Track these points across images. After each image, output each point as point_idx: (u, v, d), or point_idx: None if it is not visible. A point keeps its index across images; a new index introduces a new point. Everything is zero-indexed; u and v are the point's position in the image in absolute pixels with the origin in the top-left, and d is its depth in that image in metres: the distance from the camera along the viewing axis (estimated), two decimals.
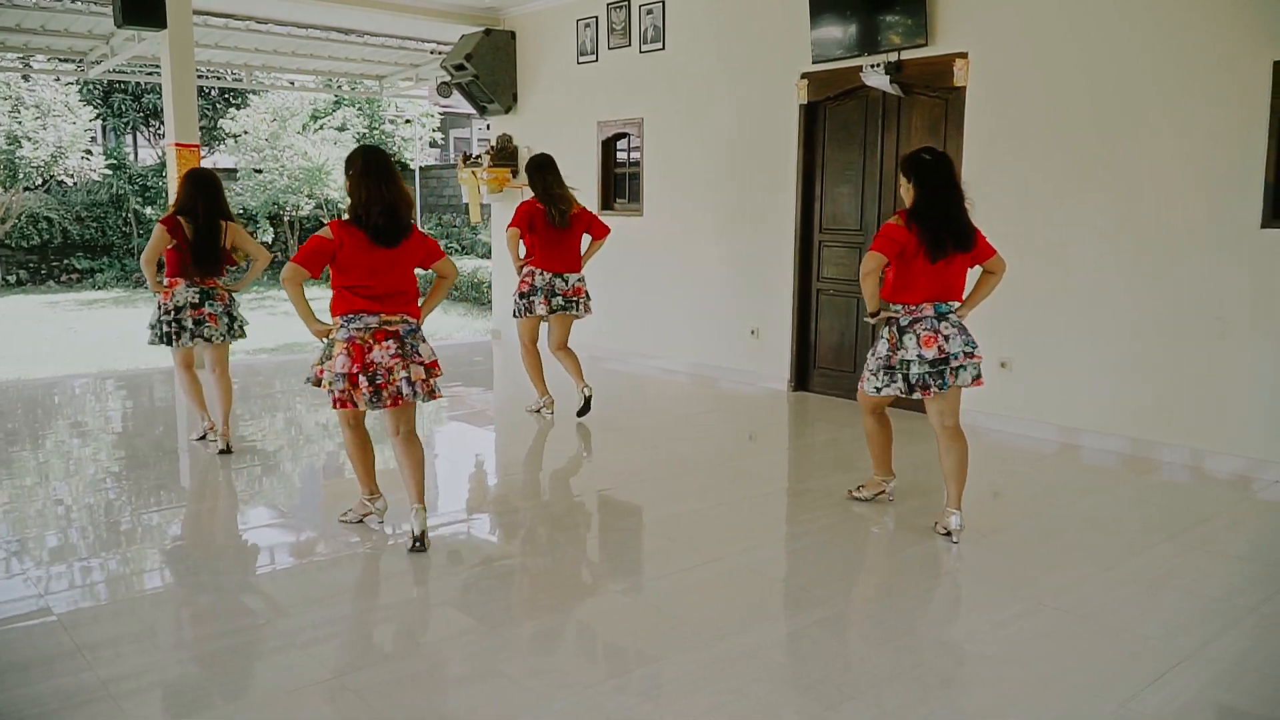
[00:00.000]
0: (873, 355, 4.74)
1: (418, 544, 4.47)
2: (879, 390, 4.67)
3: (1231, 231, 5.59)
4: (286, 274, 4.36)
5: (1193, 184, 5.73)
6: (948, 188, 4.55)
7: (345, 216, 4.49)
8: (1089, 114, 6.12)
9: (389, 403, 4.43)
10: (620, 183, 9.70)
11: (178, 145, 8.60)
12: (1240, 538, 4.72)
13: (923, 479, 5.69)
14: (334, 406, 4.44)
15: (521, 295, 6.89)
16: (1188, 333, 5.82)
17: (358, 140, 21.74)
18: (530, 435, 6.89)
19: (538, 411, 7.24)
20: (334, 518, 4.91)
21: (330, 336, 4.48)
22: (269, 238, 21.21)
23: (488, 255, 18.06)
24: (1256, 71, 5.41)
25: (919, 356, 4.54)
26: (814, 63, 7.53)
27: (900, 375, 4.59)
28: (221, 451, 6.08)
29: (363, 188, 4.37)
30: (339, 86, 15.76)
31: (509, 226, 6.80)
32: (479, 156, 10.84)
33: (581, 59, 9.64)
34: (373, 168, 4.41)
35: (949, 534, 4.63)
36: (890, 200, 7.27)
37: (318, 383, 4.50)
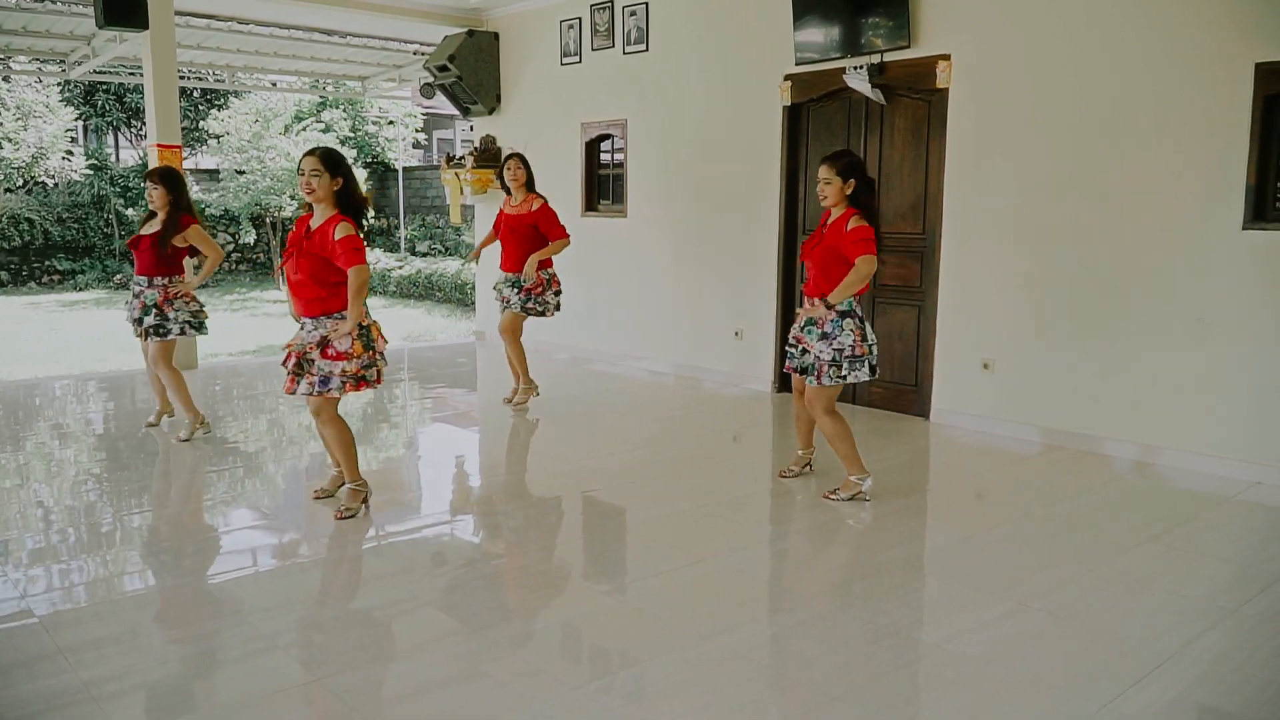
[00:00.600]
0: (832, 349, 4.98)
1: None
2: (858, 378, 5.04)
3: (1213, 233, 5.62)
4: (366, 274, 4.64)
5: (1175, 185, 5.77)
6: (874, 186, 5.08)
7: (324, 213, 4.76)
8: (1071, 115, 6.15)
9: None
10: (604, 184, 9.70)
11: (160, 146, 8.57)
12: (1222, 539, 4.74)
13: (905, 480, 5.71)
14: (360, 390, 4.81)
15: (558, 293, 7.29)
16: (1170, 333, 5.85)
17: (341, 141, 21.66)
18: (514, 436, 6.88)
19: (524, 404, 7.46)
20: (316, 519, 4.91)
21: (366, 322, 4.76)
22: (251, 239, 21.13)
23: None
24: (1239, 73, 5.45)
25: (874, 341, 5.10)
26: (797, 64, 7.55)
27: (867, 362, 5.01)
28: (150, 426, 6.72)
29: (357, 186, 4.76)
30: (323, 87, 15.71)
31: (565, 234, 7.14)
32: (462, 158, 10.83)
33: (565, 60, 9.64)
34: (351, 169, 4.81)
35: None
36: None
37: (369, 366, 4.80)
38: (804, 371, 5.12)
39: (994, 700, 3.15)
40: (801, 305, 5.22)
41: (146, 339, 6.28)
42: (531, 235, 7.05)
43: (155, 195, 6.14)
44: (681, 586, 4.11)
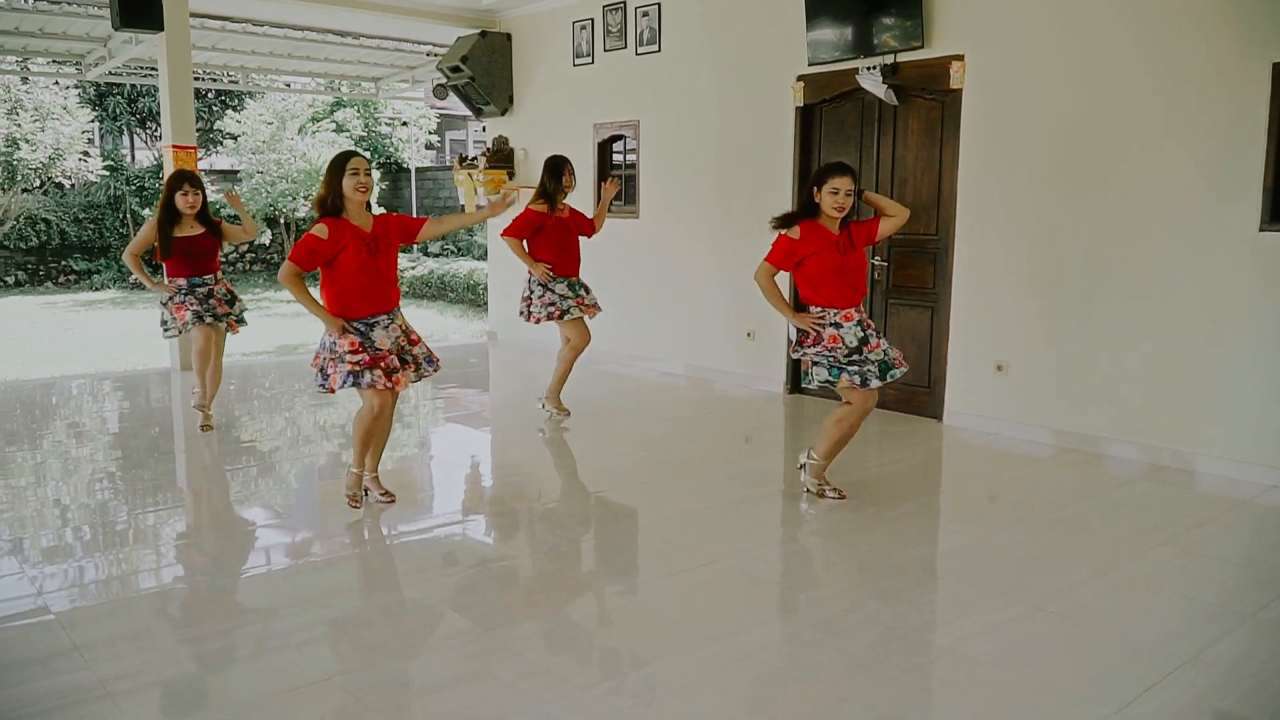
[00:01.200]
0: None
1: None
2: None
3: (1229, 234, 5.59)
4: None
5: (1191, 186, 5.74)
6: None
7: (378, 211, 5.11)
8: (1086, 116, 6.13)
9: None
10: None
11: (175, 147, 8.61)
12: (1236, 543, 4.72)
13: (917, 482, 5.70)
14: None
15: None
16: (1184, 336, 5.82)
17: (355, 142, 21.74)
18: (526, 437, 6.89)
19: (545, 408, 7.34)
20: (329, 518, 4.94)
21: None
22: (265, 239, 21.22)
23: (484, 257, 18.06)
24: (1256, 73, 5.41)
25: None
26: (810, 65, 7.54)
27: None
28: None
29: None
30: (336, 89, 15.77)
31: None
32: (475, 158, 10.85)
33: (577, 61, 9.65)
34: None
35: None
36: None
37: None
38: (884, 375, 4.99)
39: (1005, 704, 3.14)
40: (835, 326, 4.96)
41: (215, 330, 6.53)
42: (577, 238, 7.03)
43: (196, 200, 6.31)
44: (692, 587, 4.12)
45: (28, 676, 3.26)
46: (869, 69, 7.07)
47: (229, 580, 4.24)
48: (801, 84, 7.68)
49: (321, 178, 4.82)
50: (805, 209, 5.00)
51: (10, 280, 19.85)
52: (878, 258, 7.37)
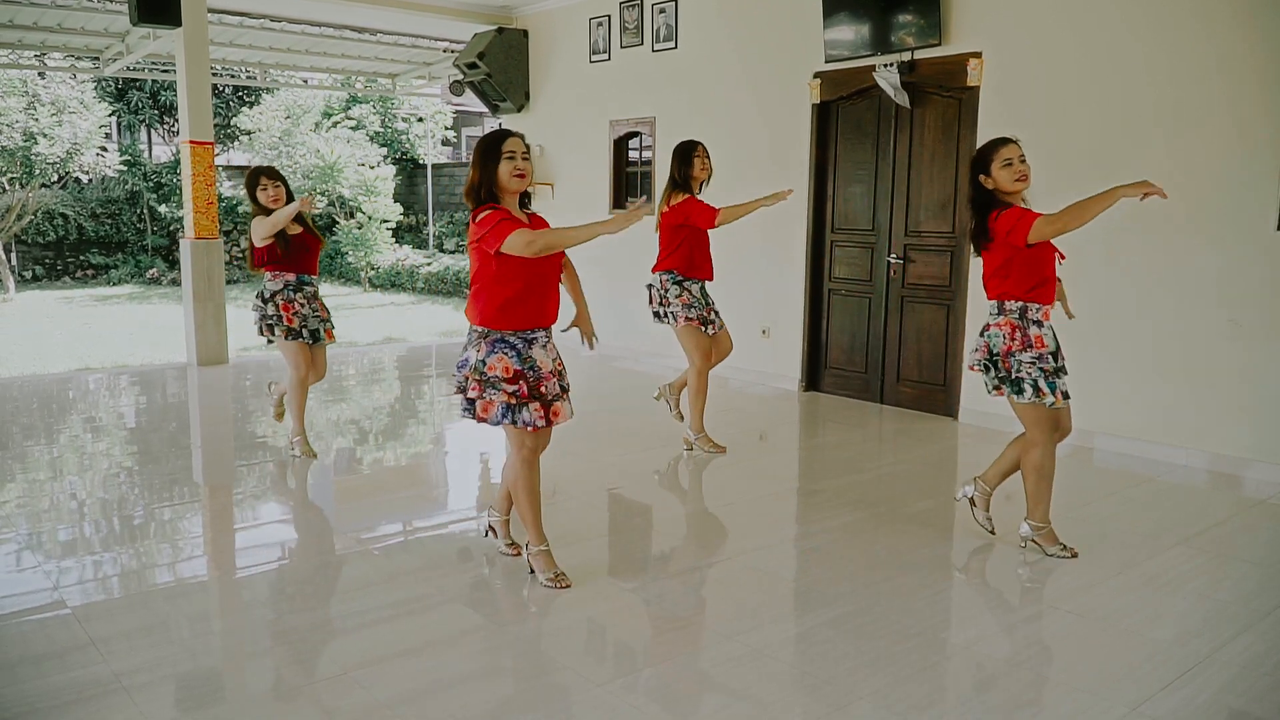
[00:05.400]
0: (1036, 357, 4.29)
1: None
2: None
3: (1246, 233, 5.56)
4: None
5: (1208, 185, 5.70)
6: None
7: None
8: (1102, 114, 6.10)
9: None
10: (631, 182, 9.70)
11: (192, 143, 8.65)
12: (1253, 542, 4.69)
13: (932, 480, 5.68)
14: None
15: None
16: (1201, 335, 5.79)
17: (371, 138, 21.79)
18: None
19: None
20: (345, 514, 4.94)
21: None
22: None
23: None
24: (1274, 71, 5.38)
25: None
26: (827, 62, 7.52)
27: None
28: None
29: None
30: (353, 85, 15.80)
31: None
32: None
33: (594, 58, 9.65)
34: None
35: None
36: (902, 200, 7.26)
37: None
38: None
39: (1021, 702, 3.13)
40: (1037, 325, 4.33)
41: (314, 341, 5.83)
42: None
43: (279, 194, 5.74)
44: (706, 585, 4.11)
45: (44, 670, 3.28)
46: (886, 66, 7.04)
47: (243, 575, 4.26)
48: (818, 81, 7.66)
49: (471, 162, 3.94)
50: (984, 202, 4.29)
51: (28, 275, 19.95)
52: (893, 255, 7.35)
